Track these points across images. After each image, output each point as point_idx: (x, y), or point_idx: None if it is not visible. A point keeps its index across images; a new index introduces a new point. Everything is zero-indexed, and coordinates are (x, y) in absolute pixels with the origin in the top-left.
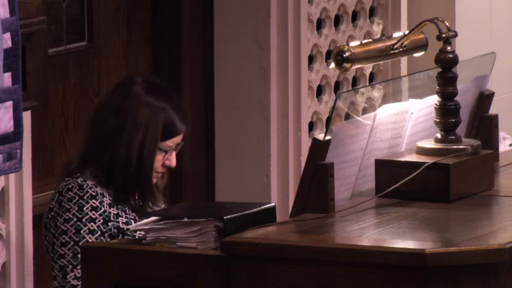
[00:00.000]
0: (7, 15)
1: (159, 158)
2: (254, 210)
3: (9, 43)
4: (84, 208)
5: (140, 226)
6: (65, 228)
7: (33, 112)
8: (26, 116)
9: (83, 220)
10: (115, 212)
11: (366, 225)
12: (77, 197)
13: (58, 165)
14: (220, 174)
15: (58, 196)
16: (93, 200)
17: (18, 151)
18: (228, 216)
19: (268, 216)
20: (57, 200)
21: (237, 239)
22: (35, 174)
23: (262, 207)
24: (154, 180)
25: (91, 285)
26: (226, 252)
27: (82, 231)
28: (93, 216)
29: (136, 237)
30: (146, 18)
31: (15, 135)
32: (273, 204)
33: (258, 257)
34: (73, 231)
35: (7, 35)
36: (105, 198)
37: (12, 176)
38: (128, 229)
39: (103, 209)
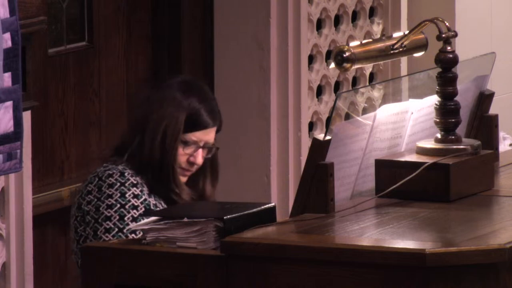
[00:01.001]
0: (7, 15)
1: (182, 151)
2: (254, 210)
3: (9, 43)
4: (127, 195)
5: (140, 226)
6: (108, 214)
7: (33, 112)
8: (26, 116)
9: (126, 207)
10: (154, 202)
11: (366, 225)
12: (118, 184)
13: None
14: (220, 174)
15: (98, 180)
16: (134, 188)
17: (18, 151)
18: (228, 216)
19: (268, 216)
20: (96, 184)
21: (237, 239)
22: (35, 174)
23: (262, 207)
24: (182, 179)
25: (91, 285)
26: (226, 252)
27: (126, 218)
28: (135, 204)
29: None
30: (146, 18)
31: (15, 135)
32: (273, 204)
33: (258, 257)
34: (117, 217)
35: (7, 35)
36: (144, 188)
37: (12, 176)
38: None
39: (144, 197)
